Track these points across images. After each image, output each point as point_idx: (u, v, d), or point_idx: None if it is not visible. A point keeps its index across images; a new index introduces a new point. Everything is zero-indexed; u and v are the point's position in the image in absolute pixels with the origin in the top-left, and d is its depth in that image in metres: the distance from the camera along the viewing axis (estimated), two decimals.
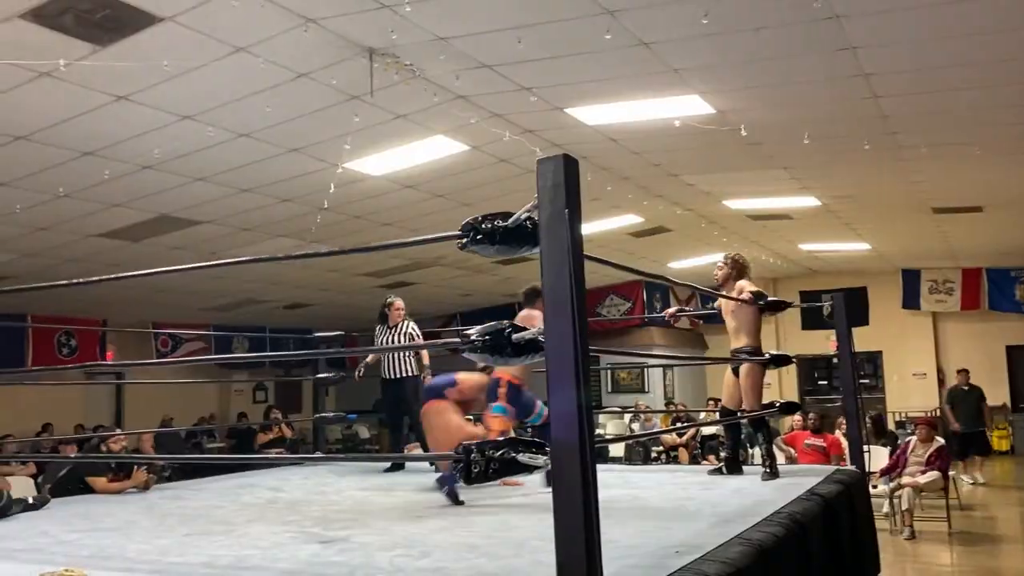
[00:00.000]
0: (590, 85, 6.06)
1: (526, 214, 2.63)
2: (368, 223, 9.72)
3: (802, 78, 5.84)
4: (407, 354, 6.98)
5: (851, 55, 5.32)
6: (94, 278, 4.33)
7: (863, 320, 15.63)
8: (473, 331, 2.70)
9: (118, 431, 7.19)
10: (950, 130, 6.88)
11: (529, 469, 2.56)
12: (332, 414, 7.62)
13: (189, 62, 5.23)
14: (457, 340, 2.78)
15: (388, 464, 6.75)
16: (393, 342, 6.93)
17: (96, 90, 5.60)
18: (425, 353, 7.06)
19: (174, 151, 6.74)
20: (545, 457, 2.45)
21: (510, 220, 2.66)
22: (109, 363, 13.85)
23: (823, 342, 16.83)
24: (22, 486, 7.01)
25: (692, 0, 4.59)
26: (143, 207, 8.26)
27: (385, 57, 5.47)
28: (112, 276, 4.38)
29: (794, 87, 6.03)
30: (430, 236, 2.89)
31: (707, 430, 11.87)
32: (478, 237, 2.69)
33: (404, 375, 6.97)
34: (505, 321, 2.74)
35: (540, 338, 2.61)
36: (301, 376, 16.28)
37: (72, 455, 8.09)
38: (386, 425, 15.31)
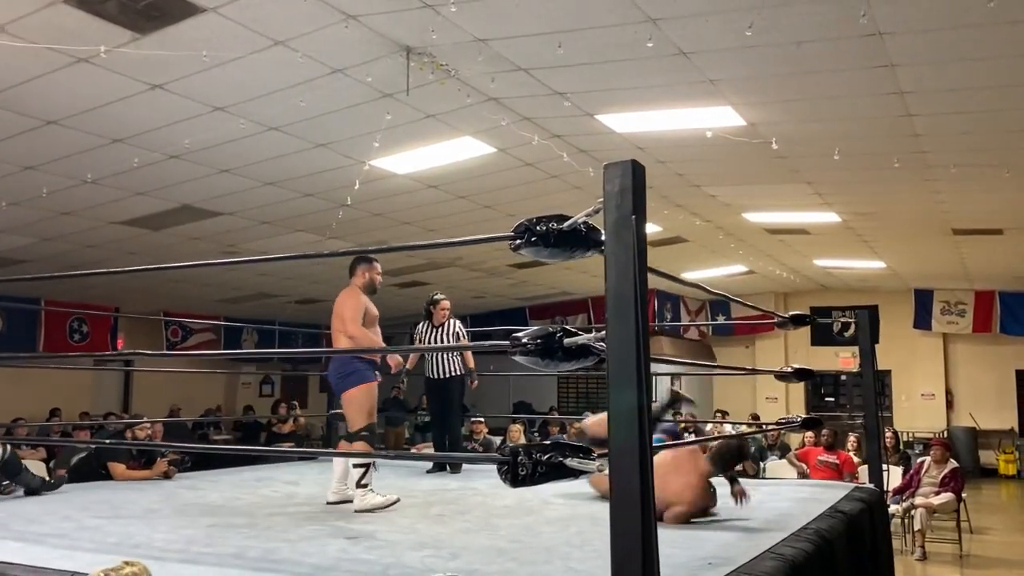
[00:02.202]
0: (624, 92, 6.06)
1: (584, 218, 2.62)
2: (388, 221, 9.72)
3: (838, 94, 5.83)
4: (453, 354, 6.76)
5: (890, 72, 5.32)
6: (111, 269, 4.41)
7: (874, 338, 15.58)
8: (523, 334, 2.69)
9: (145, 419, 7.17)
10: (982, 151, 6.87)
11: (577, 474, 2.54)
12: None
13: (228, 53, 5.23)
14: (506, 343, 2.77)
15: (431, 464, 6.51)
16: (439, 342, 6.70)
17: (132, 78, 5.61)
18: (470, 355, 6.85)
19: (203, 142, 6.74)
20: (597, 462, 2.44)
21: (565, 223, 2.65)
22: (119, 352, 13.88)
23: (832, 359, 16.89)
24: (33, 470, 7.00)
25: (737, 11, 4.59)
26: (166, 196, 8.28)
27: (422, 56, 5.48)
28: (128, 268, 4.40)
29: (829, 102, 6.02)
30: (481, 237, 2.88)
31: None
32: (532, 239, 2.68)
33: (451, 375, 6.77)
34: (556, 325, 2.73)
35: (594, 344, 2.60)
36: (309, 372, 16.28)
37: (84, 441, 8.10)
38: (393, 424, 15.36)
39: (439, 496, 5.34)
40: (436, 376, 6.80)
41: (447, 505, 5.07)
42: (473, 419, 10.95)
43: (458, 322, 6.97)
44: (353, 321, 4.93)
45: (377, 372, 5.08)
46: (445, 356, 6.75)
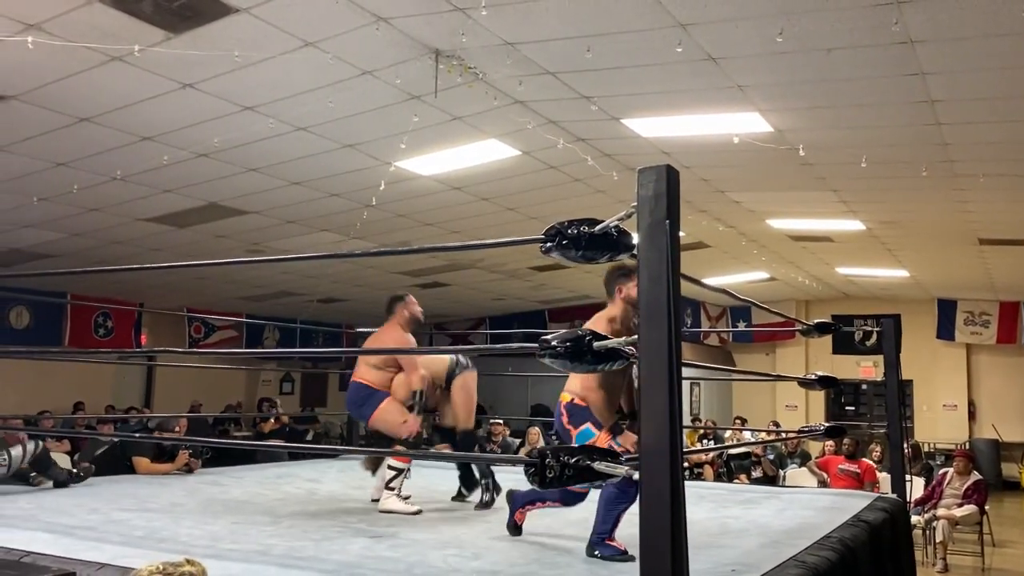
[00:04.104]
0: (651, 97, 6.06)
1: (615, 222, 2.63)
2: (411, 222, 9.76)
3: (866, 101, 5.80)
4: None
5: (920, 80, 5.28)
6: (136, 266, 4.50)
7: (898, 347, 15.44)
8: (552, 337, 2.70)
9: (173, 418, 7.24)
10: (1012, 160, 6.80)
11: (604, 477, 2.55)
12: None
13: (259, 54, 5.28)
14: (535, 345, 2.77)
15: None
16: None
17: (164, 76, 5.66)
18: None
19: (232, 141, 6.80)
20: (626, 467, 2.44)
21: (597, 227, 2.66)
22: (143, 349, 14.03)
23: (853, 368, 16.77)
24: (57, 461, 7.10)
25: (767, 17, 4.58)
26: (193, 194, 8.35)
27: (451, 59, 5.50)
28: (152, 265, 4.48)
29: (857, 110, 5.99)
30: (511, 239, 2.89)
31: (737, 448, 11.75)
32: (563, 242, 2.69)
33: None
34: (586, 327, 2.75)
35: (623, 347, 2.61)
36: (329, 370, 16.34)
37: (108, 433, 8.19)
38: None
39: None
40: None
41: (468, 506, 5.10)
42: (492, 421, 10.98)
43: None
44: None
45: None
46: None
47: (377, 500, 4.99)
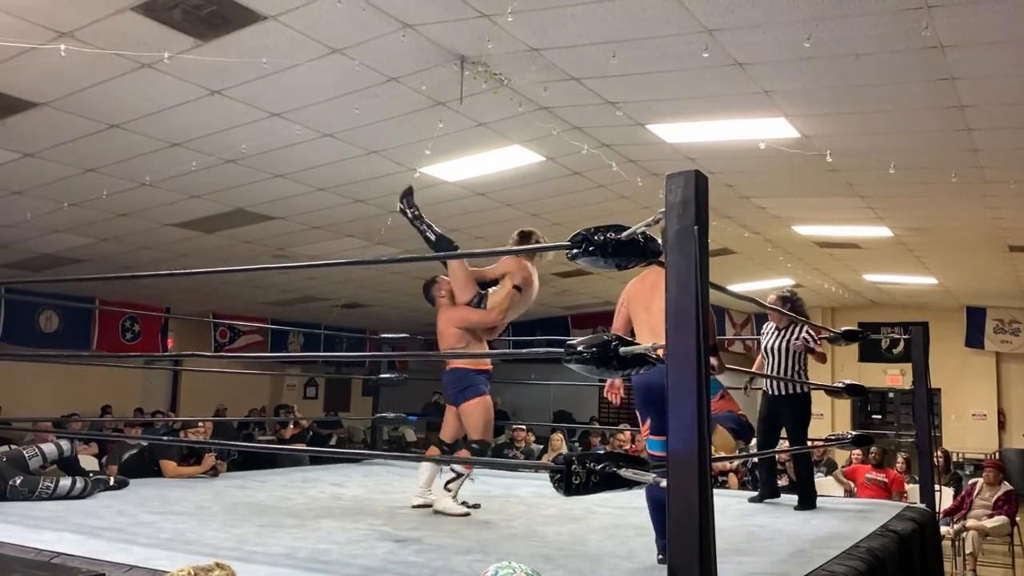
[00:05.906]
0: (676, 102, 6.03)
1: (643, 228, 2.63)
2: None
3: (895, 107, 5.74)
4: (799, 361, 5.58)
5: (950, 85, 5.23)
6: (162, 272, 4.55)
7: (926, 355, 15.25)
8: (578, 342, 2.70)
9: (199, 421, 7.31)
10: None
11: (630, 485, 2.54)
12: (393, 415, 7.64)
13: (286, 61, 5.32)
14: (561, 351, 2.77)
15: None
16: (782, 349, 5.58)
17: (192, 83, 5.72)
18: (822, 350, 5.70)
19: (259, 147, 6.86)
20: (652, 474, 2.43)
21: (624, 233, 2.65)
22: (169, 354, 14.18)
23: (880, 375, 16.57)
24: (85, 464, 7.18)
25: (795, 23, 4.55)
26: (221, 200, 8.43)
27: (476, 65, 5.52)
28: (178, 272, 4.54)
29: (886, 115, 5.92)
30: (537, 246, 2.89)
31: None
32: (590, 249, 2.69)
33: (796, 391, 5.51)
34: (612, 332, 2.74)
35: (650, 353, 2.60)
36: (352, 375, 16.41)
37: (136, 436, 8.28)
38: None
39: (484, 502, 5.36)
40: (774, 393, 5.58)
41: (492, 512, 5.10)
42: (515, 427, 10.97)
43: (807, 328, 5.57)
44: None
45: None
46: (788, 362, 5.56)
47: (420, 506, 5.09)
